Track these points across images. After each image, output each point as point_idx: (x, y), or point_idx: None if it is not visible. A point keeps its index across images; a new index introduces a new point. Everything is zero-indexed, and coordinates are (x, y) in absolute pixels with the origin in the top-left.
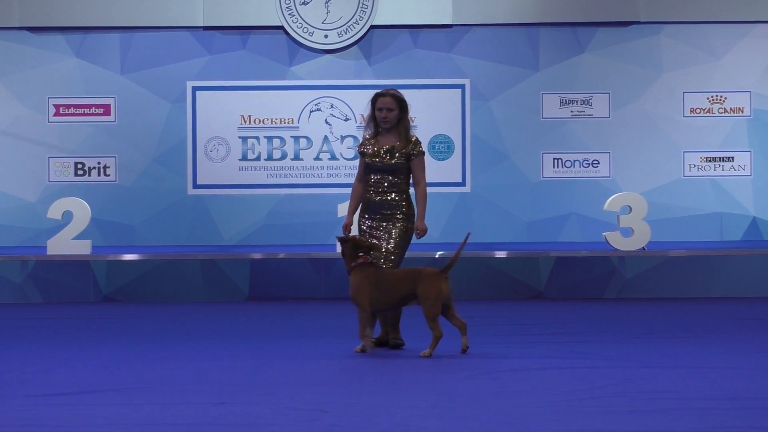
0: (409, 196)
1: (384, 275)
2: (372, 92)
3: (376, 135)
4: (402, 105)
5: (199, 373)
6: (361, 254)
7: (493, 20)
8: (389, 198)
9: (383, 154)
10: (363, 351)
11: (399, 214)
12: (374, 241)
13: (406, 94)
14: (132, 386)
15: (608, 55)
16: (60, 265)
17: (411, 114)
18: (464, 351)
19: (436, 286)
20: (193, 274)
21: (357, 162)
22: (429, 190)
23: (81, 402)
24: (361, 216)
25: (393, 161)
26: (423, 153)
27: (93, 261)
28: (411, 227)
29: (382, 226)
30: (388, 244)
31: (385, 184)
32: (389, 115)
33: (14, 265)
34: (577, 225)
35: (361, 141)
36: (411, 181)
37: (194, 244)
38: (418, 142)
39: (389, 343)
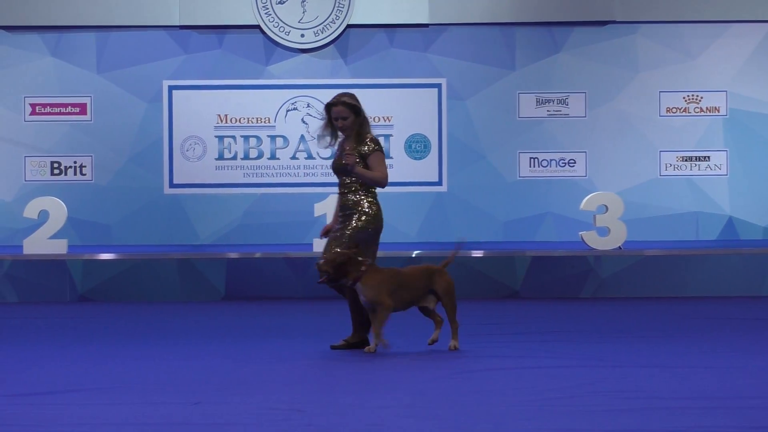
0: (370, 196)
1: (402, 273)
2: (348, 91)
3: (338, 138)
4: (355, 110)
5: (175, 373)
6: (360, 257)
7: (469, 20)
8: (348, 198)
9: (342, 156)
10: (373, 351)
11: (355, 214)
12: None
13: (382, 93)
14: (108, 386)
15: (584, 55)
16: (36, 264)
17: (388, 113)
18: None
19: (449, 281)
20: (169, 273)
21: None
22: (405, 189)
23: (57, 401)
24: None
25: (344, 162)
26: (377, 149)
27: (69, 260)
28: (367, 225)
29: (342, 226)
30: (340, 245)
31: (344, 185)
32: (345, 123)
33: None
34: (553, 224)
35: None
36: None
37: (170, 243)
38: (372, 140)
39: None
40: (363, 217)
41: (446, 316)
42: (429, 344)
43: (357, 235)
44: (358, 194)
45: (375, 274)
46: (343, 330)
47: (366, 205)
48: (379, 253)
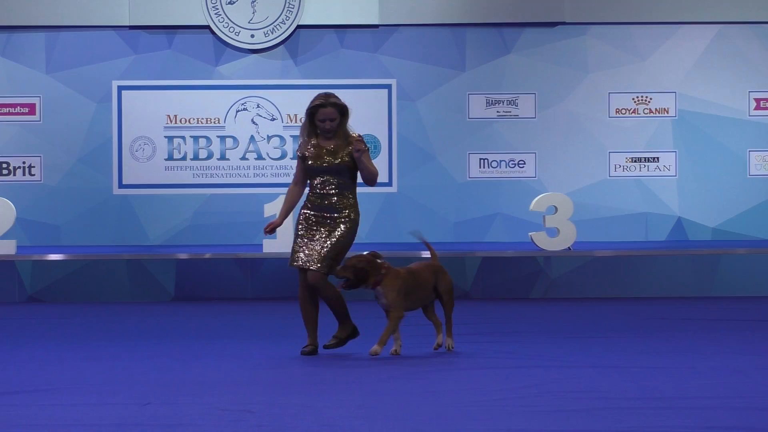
0: (354, 197)
1: (416, 274)
2: (298, 92)
3: (316, 138)
4: (343, 111)
5: (125, 374)
6: (379, 261)
7: (419, 20)
8: (334, 200)
9: (326, 155)
10: (377, 354)
11: (344, 217)
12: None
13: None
14: (58, 387)
15: (534, 56)
16: None
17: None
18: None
19: (450, 279)
20: (118, 274)
21: (284, 162)
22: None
23: (6, 403)
24: (301, 219)
25: (337, 161)
26: (367, 148)
27: (18, 261)
28: (353, 231)
29: (323, 228)
30: (323, 246)
31: (331, 186)
32: (332, 125)
33: None
34: (503, 225)
35: (299, 144)
36: (358, 180)
37: (120, 244)
38: (362, 139)
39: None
40: (349, 224)
41: (443, 314)
42: (435, 349)
43: (345, 241)
44: (347, 197)
45: (395, 278)
46: (294, 329)
47: (355, 210)
48: None
